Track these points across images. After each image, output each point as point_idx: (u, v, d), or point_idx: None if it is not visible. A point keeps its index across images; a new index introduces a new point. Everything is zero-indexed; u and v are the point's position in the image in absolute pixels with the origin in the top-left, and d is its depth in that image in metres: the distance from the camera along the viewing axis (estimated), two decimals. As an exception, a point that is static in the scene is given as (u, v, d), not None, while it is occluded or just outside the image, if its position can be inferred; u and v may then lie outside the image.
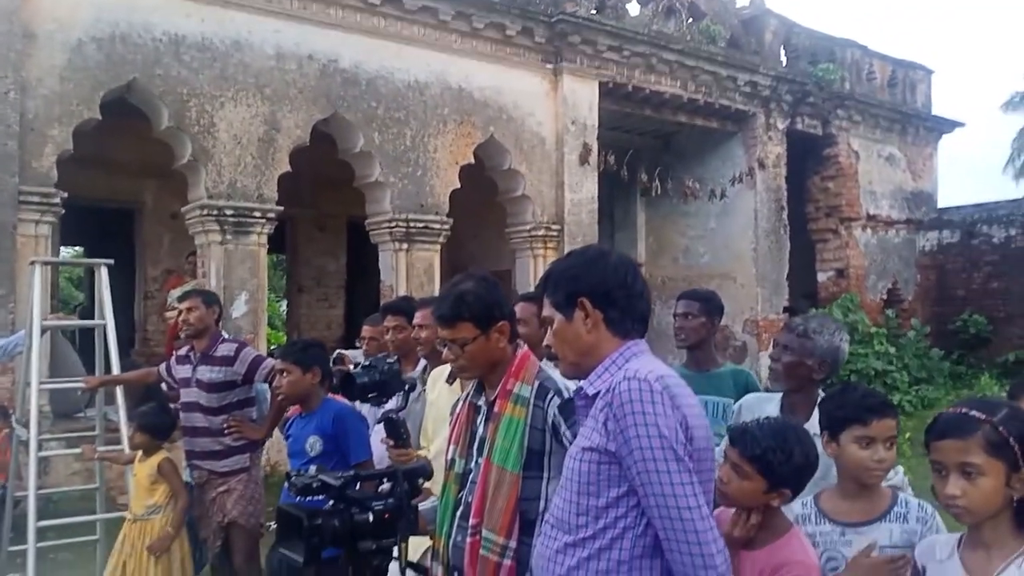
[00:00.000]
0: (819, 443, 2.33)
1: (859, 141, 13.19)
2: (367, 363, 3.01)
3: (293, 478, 2.26)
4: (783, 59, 12.30)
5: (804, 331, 2.85)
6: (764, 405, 2.92)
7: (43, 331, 5.19)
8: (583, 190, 9.91)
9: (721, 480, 2.05)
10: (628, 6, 10.47)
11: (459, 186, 8.94)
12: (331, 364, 4.04)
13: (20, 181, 6.48)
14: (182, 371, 4.37)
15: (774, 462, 2.13)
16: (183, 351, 4.45)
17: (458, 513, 2.37)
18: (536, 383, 2.38)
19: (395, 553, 2.27)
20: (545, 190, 9.67)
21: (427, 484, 2.70)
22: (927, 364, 12.72)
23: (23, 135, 6.52)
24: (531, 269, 9.68)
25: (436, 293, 6.36)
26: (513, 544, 2.23)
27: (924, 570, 2.04)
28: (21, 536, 4.48)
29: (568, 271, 1.99)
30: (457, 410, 2.56)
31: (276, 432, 4.40)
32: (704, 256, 12.28)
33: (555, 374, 2.48)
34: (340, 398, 3.60)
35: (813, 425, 2.50)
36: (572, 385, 2.43)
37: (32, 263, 5.27)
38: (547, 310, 2.01)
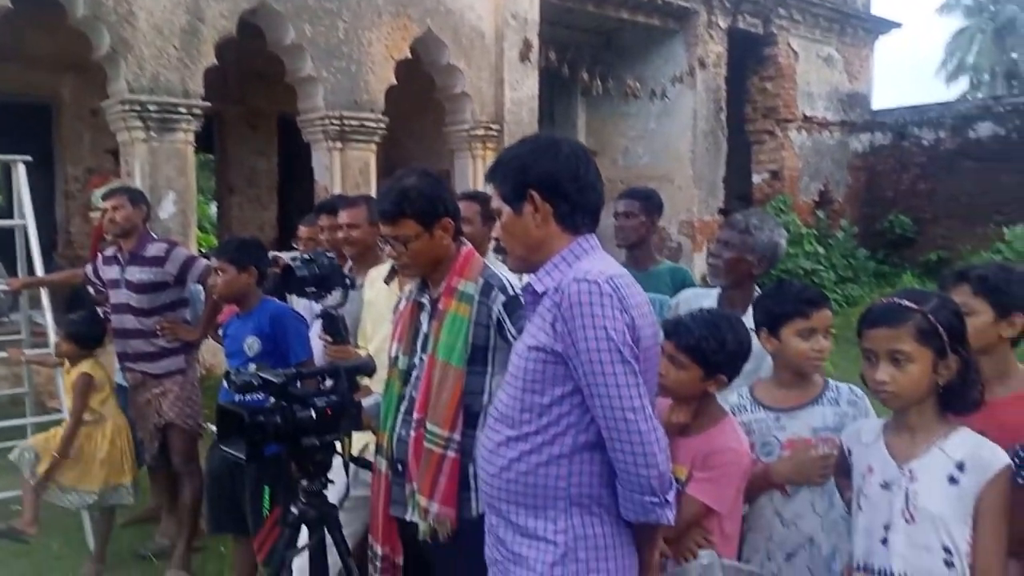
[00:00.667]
0: (754, 338, 2.39)
1: (798, 41, 13.16)
2: (307, 256, 2.93)
3: (232, 376, 2.21)
4: (726, -45, 12.07)
5: (745, 227, 2.89)
6: (701, 300, 2.97)
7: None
8: (523, 88, 9.71)
9: (659, 373, 2.09)
10: None
11: (396, 83, 8.66)
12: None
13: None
14: (110, 272, 4.22)
15: (708, 350, 2.19)
16: (110, 252, 4.29)
17: (402, 408, 2.38)
18: (481, 280, 2.36)
19: (338, 448, 2.27)
20: (484, 87, 9.44)
21: (367, 382, 2.69)
22: (853, 264, 13.12)
23: (-79, 21, 6.03)
24: (470, 170, 9.52)
25: (373, 194, 6.23)
26: (457, 437, 2.25)
27: (850, 453, 2.14)
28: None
29: (517, 160, 1.91)
30: (400, 308, 2.53)
31: (212, 334, 4.32)
32: (643, 157, 12.27)
33: (501, 269, 2.47)
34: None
35: (748, 320, 2.55)
36: (517, 281, 2.42)
37: (-58, 160, 4.98)
38: (495, 201, 1.94)
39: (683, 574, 1.56)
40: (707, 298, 3.01)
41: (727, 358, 2.22)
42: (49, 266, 5.42)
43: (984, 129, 13.06)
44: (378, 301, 3.05)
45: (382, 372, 2.53)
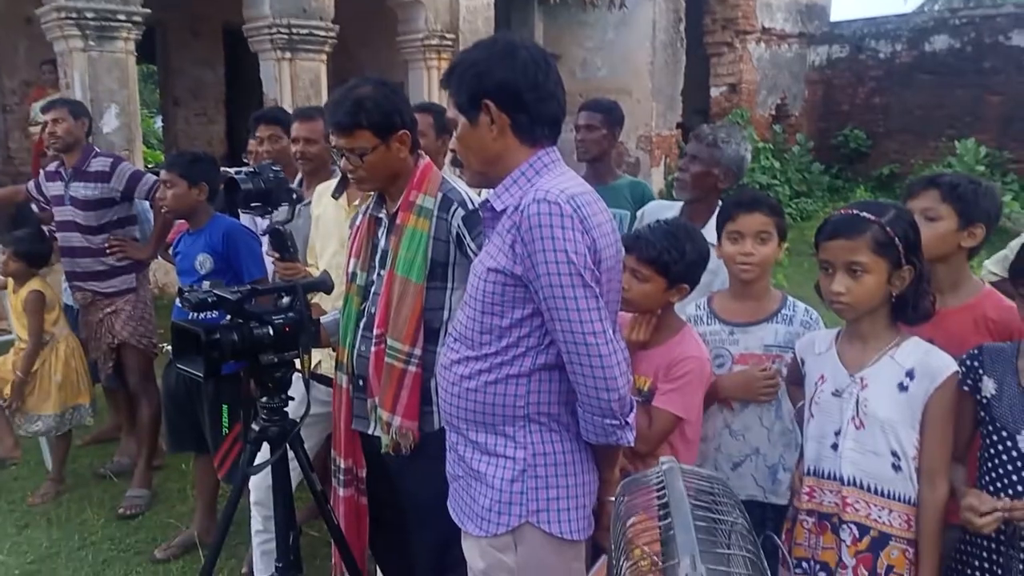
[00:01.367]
0: (713, 253, 2.41)
1: (760, -52, 12.91)
2: (252, 169, 2.79)
3: (186, 293, 2.15)
4: None
5: (713, 140, 2.87)
6: (665, 212, 2.97)
7: None
8: (479, -4, 9.41)
9: (623, 288, 2.09)
10: None
11: (346, -11, 8.34)
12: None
13: None
14: (54, 188, 4.06)
15: (669, 261, 2.21)
16: (52, 167, 4.12)
17: (361, 324, 2.35)
18: (439, 194, 2.31)
19: (298, 365, 2.25)
20: (438, -5, 9.13)
21: (317, 299, 2.64)
22: (808, 178, 13.22)
23: None
24: (424, 81, 9.28)
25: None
26: (418, 352, 2.25)
27: (803, 362, 2.19)
28: None
29: (472, 68, 1.81)
30: (357, 223, 2.48)
31: (163, 253, 4.21)
32: (601, 69, 12.06)
33: (459, 184, 2.42)
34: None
35: (709, 232, 2.56)
36: (476, 196, 2.38)
37: None
38: (450, 111, 1.86)
39: (643, 479, 1.59)
40: (671, 210, 3.02)
41: (688, 267, 2.25)
42: (-13, 183, 5.20)
43: (940, 42, 13.04)
44: (326, 217, 2.97)
45: (339, 289, 2.50)
